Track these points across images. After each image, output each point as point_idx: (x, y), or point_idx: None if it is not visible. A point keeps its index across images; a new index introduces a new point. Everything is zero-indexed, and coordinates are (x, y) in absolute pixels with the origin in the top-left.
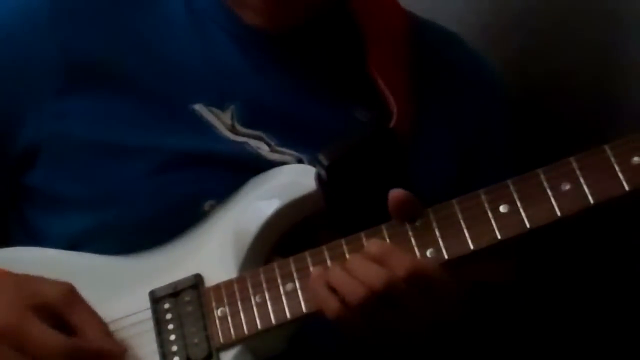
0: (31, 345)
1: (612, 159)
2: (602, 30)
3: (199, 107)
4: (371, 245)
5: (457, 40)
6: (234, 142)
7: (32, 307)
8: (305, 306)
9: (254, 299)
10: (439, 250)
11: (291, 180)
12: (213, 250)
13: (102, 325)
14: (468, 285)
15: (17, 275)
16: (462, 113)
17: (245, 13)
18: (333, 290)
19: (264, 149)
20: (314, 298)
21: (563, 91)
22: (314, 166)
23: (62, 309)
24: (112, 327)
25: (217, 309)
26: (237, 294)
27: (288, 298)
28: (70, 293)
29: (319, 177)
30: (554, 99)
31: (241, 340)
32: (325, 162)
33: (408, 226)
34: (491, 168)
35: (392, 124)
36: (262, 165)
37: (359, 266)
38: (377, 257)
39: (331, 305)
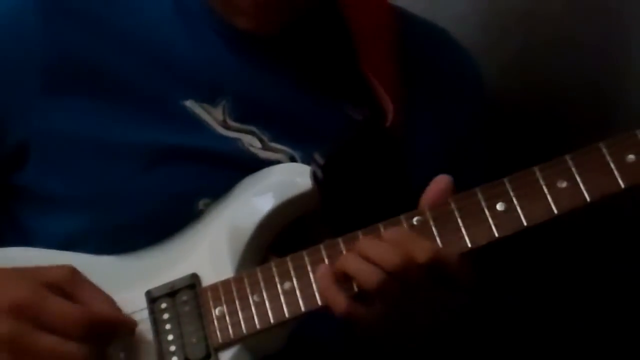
0: (49, 317)
1: (608, 157)
2: (602, 30)
3: (190, 104)
4: (389, 232)
5: (443, 36)
6: (226, 137)
7: (42, 284)
8: (304, 305)
9: (252, 298)
10: None
11: (287, 178)
12: (209, 249)
13: (110, 299)
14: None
15: (17, 267)
16: (448, 108)
17: (234, 17)
18: (345, 279)
19: (256, 146)
20: (324, 292)
21: (563, 91)
22: (309, 164)
23: (70, 286)
24: None
25: (215, 308)
26: (235, 293)
27: (286, 297)
28: (74, 272)
29: (314, 176)
30: (554, 99)
31: (240, 339)
32: (321, 161)
33: (405, 224)
34: (472, 165)
35: (387, 122)
36: (255, 163)
37: (376, 249)
38: (396, 242)
39: (339, 300)
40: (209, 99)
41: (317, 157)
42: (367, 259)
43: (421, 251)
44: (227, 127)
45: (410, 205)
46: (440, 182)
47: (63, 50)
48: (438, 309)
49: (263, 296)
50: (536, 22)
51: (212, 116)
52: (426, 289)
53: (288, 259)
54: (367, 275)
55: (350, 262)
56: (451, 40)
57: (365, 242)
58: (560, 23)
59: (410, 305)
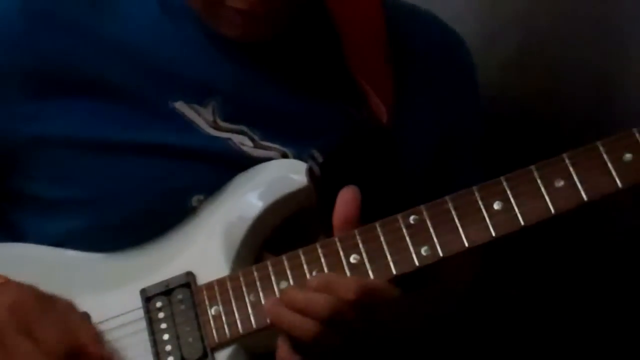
0: (40, 329)
1: (605, 156)
2: (601, 29)
3: (179, 105)
4: (313, 279)
5: (433, 22)
6: (216, 137)
7: (51, 297)
8: None
9: (248, 297)
10: (433, 247)
11: (282, 175)
12: (203, 246)
13: (99, 338)
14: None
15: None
16: (439, 98)
17: (220, 25)
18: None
19: (247, 145)
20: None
21: (561, 90)
22: (305, 161)
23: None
24: (103, 327)
25: (211, 307)
26: (231, 292)
27: None
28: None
29: (310, 172)
30: (552, 98)
31: (236, 339)
32: (319, 159)
33: (402, 223)
34: (465, 154)
35: (381, 122)
36: (246, 162)
37: (303, 299)
38: (322, 288)
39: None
40: (198, 100)
41: (316, 154)
42: (298, 310)
43: (347, 289)
44: (217, 128)
45: (408, 203)
46: (345, 194)
47: (48, 56)
48: (380, 330)
49: (259, 296)
50: (535, 21)
51: (202, 117)
52: (360, 319)
53: (284, 258)
54: (299, 328)
55: (283, 316)
56: (438, 22)
57: (292, 294)
58: (560, 21)
59: (349, 336)
